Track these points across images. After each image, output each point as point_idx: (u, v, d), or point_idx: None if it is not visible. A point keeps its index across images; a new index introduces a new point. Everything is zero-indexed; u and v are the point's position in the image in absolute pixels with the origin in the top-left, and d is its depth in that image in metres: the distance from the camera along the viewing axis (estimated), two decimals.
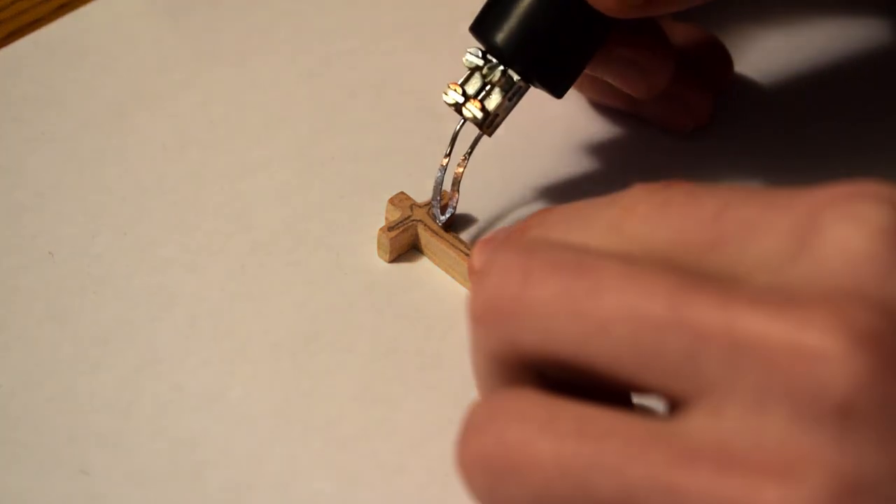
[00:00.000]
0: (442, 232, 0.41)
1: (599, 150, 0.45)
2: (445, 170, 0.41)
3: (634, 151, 0.45)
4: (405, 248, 0.41)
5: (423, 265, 0.41)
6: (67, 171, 0.44)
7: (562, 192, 0.43)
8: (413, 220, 0.41)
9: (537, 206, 0.43)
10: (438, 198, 0.41)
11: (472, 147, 0.41)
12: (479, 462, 0.28)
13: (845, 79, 0.47)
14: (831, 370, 0.25)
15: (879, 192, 0.27)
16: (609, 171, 0.44)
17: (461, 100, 0.40)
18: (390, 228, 0.41)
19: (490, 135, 0.40)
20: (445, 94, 0.40)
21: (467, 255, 0.40)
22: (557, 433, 0.27)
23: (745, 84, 0.47)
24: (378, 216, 0.42)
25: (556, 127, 0.45)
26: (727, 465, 0.26)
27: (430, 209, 0.41)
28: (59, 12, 0.49)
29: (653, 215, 0.29)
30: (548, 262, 0.28)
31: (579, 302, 0.28)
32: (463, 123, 0.40)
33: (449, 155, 0.41)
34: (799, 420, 0.25)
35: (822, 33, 0.48)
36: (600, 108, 0.46)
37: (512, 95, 0.40)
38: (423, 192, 0.42)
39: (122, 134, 0.45)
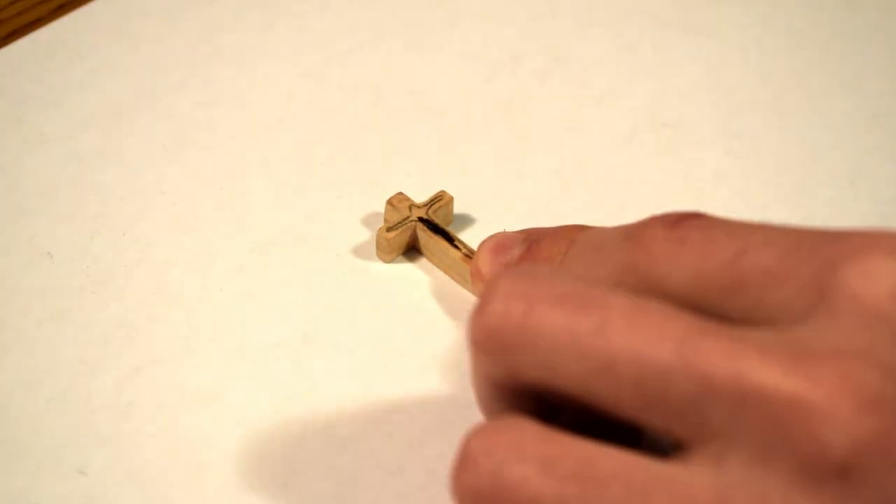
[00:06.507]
0: (441, 232, 0.41)
1: (602, 150, 0.45)
2: None
3: (643, 162, 0.45)
4: (404, 249, 0.41)
5: (423, 265, 0.41)
6: (67, 171, 0.44)
7: (563, 193, 0.43)
8: (412, 221, 0.41)
9: (538, 206, 0.43)
10: None
11: None
12: (474, 498, 0.28)
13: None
14: (834, 431, 0.25)
15: None
16: (612, 172, 0.44)
17: None
18: (389, 229, 0.41)
19: None
20: None
21: (467, 255, 0.40)
22: (557, 475, 0.27)
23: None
24: (377, 216, 0.42)
25: (559, 127, 0.45)
26: None
27: (428, 209, 0.41)
28: (59, 12, 0.49)
29: (669, 256, 0.29)
30: (554, 294, 0.28)
31: (584, 339, 0.27)
32: None
33: None
34: (799, 479, 0.25)
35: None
36: (605, 113, 0.46)
37: None
38: (422, 193, 0.42)
39: (122, 134, 0.45)
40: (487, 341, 0.29)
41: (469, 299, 0.40)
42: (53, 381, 0.38)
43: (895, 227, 0.28)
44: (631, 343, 0.27)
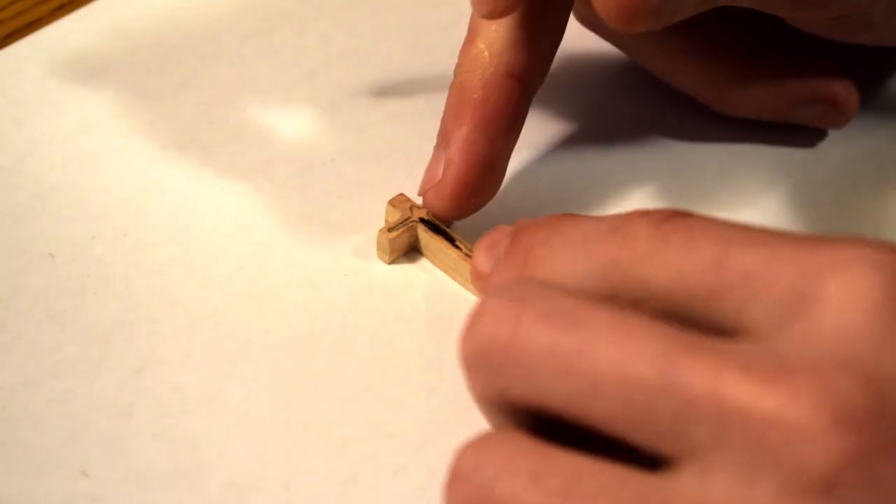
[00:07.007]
0: (442, 232, 0.41)
1: (604, 151, 0.45)
2: None
3: (644, 157, 0.45)
4: (405, 249, 0.41)
5: (423, 266, 0.41)
6: (67, 171, 0.44)
7: (564, 194, 0.43)
8: (413, 222, 0.41)
9: (537, 207, 0.43)
10: None
11: None
12: None
13: None
14: (814, 448, 0.25)
15: (882, 260, 0.27)
16: (614, 176, 0.44)
17: None
18: (390, 229, 0.41)
19: None
20: None
21: (467, 255, 0.40)
22: (546, 490, 0.27)
23: None
24: (378, 217, 0.42)
25: (559, 127, 0.45)
26: None
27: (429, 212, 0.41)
28: (58, 13, 0.49)
29: (652, 255, 0.29)
30: (540, 313, 0.28)
31: (570, 358, 0.27)
32: None
33: None
34: (784, 494, 0.25)
35: None
36: (605, 108, 0.46)
37: None
38: None
39: (122, 134, 0.45)
40: (476, 361, 0.29)
41: (470, 299, 0.40)
42: (54, 382, 0.38)
43: (889, 234, 0.28)
44: (615, 362, 0.27)
